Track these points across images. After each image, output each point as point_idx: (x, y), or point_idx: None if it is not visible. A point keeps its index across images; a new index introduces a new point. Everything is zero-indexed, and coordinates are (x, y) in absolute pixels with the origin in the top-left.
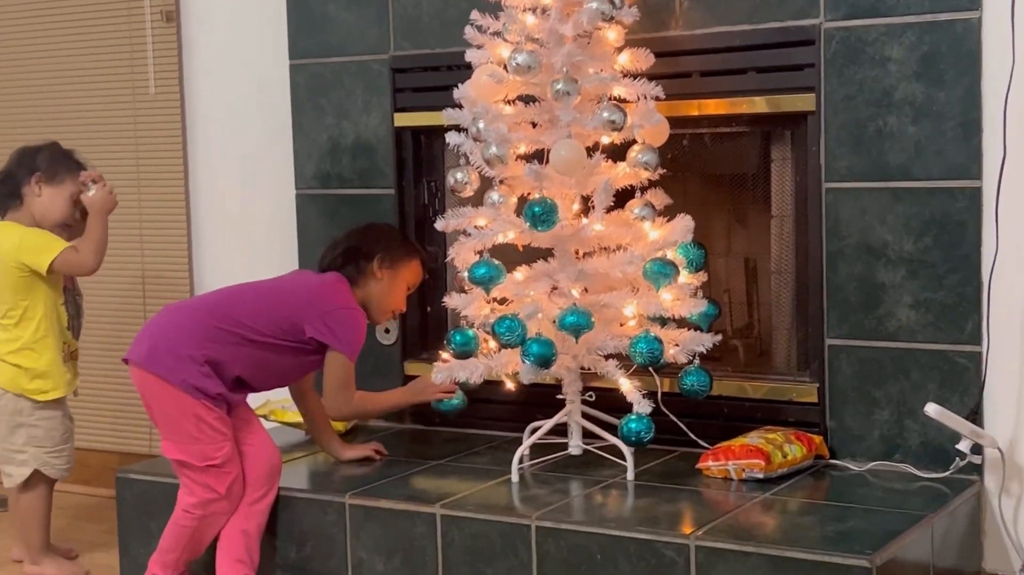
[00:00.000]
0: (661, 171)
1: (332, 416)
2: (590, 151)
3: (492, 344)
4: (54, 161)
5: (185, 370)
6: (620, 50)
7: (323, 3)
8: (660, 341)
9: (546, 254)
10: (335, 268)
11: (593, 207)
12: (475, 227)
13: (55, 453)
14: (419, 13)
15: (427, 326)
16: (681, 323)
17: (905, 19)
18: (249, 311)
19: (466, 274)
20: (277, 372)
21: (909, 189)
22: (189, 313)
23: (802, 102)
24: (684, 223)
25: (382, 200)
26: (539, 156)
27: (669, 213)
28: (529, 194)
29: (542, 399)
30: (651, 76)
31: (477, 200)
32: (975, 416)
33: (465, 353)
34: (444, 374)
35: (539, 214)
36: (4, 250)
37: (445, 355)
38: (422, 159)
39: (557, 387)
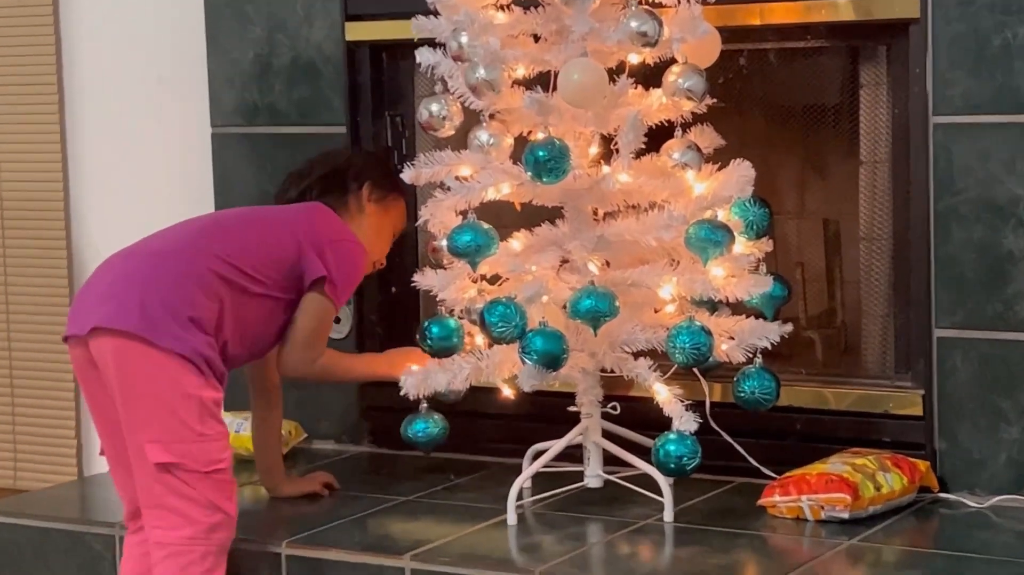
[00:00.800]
0: (710, 102)
1: (287, 374)
2: (613, 74)
3: (480, 339)
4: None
5: (193, 338)
6: None
7: None
8: (709, 333)
9: (554, 215)
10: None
11: (617, 151)
12: (456, 178)
13: None
14: None
15: (391, 314)
16: (737, 308)
17: None
18: (242, 247)
19: (444, 243)
20: (261, 340)
21: None
22: (173, 257)
23: (902, 6)
24: (741, 172)
25: (329, 142)
26: (543, 81)
27: (721, 159)
28: (530, 133)
29: (549, 413)
30: None
31: (459, 142)
32: None
33: (445, 350)
34: (416, 380)
35: (544, 160)
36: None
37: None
38: (384, 86)
39: (569, 396)
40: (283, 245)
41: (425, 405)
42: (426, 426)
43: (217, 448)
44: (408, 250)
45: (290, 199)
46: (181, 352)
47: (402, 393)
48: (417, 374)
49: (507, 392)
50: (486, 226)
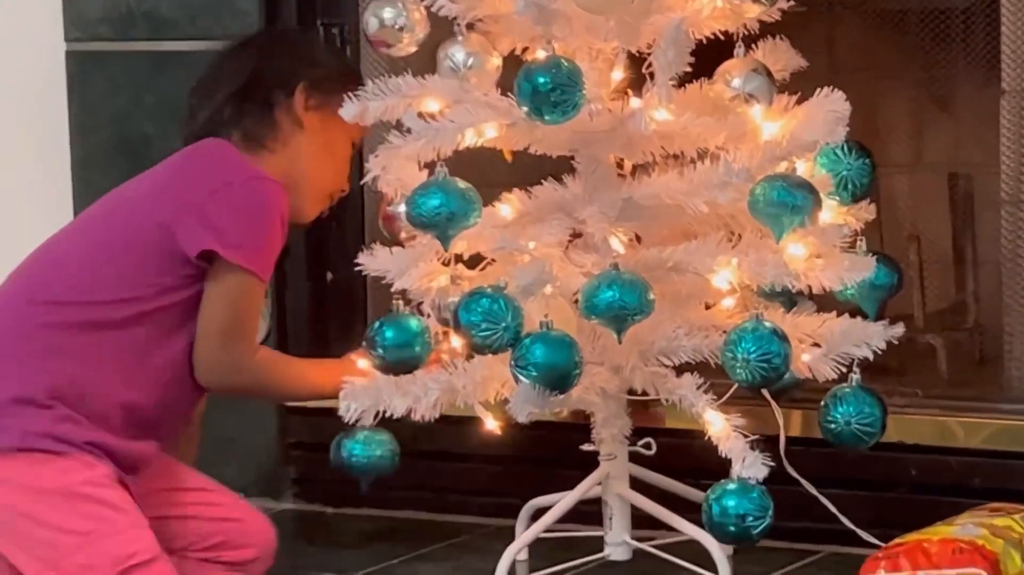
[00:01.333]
0: (785, 3)
1: (208, 384)
2: None
3: (454, 343)
4: None
5: (18, 419)
6: None
7: None
8: (783, 338)
9: (561, 169)
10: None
11: (652, 76)
12: (420, 116)
13: None
14: None
15: (326, 309)
16: (825, 303)
17: None
18: (82, 275)
19: (403, 209)
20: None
21: None
22: None
23: None
24: (830, 107)
25: None
26: None
27: (802, 87)
28: (526, 51)
29: (553, 453)
30: None
31: (423, 64)
32: None
33: (403, 363)
34: (360, 400)
35: (546, 90)
36: None
37: (363, 362)
38: None
39: (583, 429)
40: (142, 237)
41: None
42: (365, 447)
43: (120, 542)
44: (350, 218)
45: (196, 134)
46: (10, 446)
47: (342, 414)
48: (360, 390)
49: (493, 424)
50: (463, 184)
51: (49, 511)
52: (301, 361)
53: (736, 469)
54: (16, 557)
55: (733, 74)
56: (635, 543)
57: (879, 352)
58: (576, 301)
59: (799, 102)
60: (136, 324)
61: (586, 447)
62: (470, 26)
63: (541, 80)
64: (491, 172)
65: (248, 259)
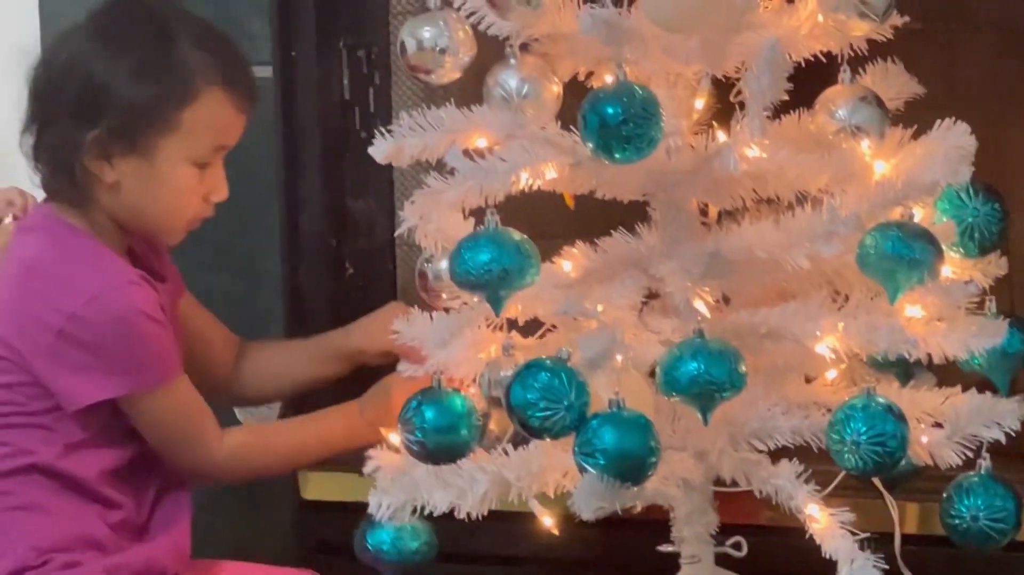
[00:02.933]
0: (898, 20)
1: (204, 483)
2: None
3: (504, 426)
4: None
5: None
6: None
7: None
8: (899, 417)
9: (633, 217)
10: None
11: (742, 107)
12: (466, 155)
13: None
14: None
15: (353, 387)
16: (948, 375)
17: None
18: None
19: (445, 266)
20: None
21: None
22: None
23: None
24: (953, 140)
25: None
26: None
27: (919, 118)
28: (591, 76)
29: (625, 555)
30: None
31: (469, 92)
32: None
33: (448, 448)
34: (392, 497)
35: (617, 122)
36: None
37: (394, 443)
38: (338, 1)
39: (661, 526)
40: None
41: None
42: (396, 535)
43: None
44: (379, 278)
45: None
46: None
47: (372, 511)
48: (394, 483)
49: (551, 522)
50: (517, 236)
51: None
52: (295, 423)
53: (843, 573)
54: None
55: (838, 103)
56: None
57: (1013, 434)
58: (653, 375)
59: (916, 136)
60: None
61: (665, 548)
62: (525, 47)
63: (610, 111)
64: (550, 221)
65: (143, 382)
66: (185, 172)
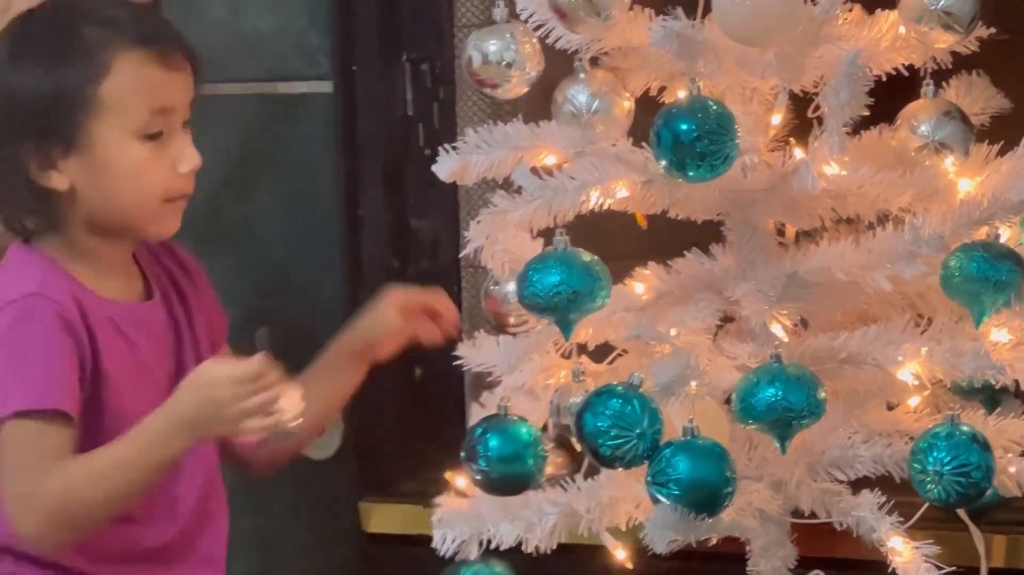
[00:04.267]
0: (984, 31)
1: (35, 544)
2: None
3: (574, 453)
4: None
5: None
6: None
7: None
8: (984, 446)
9: (708, 237)
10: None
11: (820, 122)
12: (534, 173)
13: None
14: None
15: (415, 413)
16: None
17: None
18: None
19: (513, 288)
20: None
21: None
22: None
23: None
24: None
25: (308, 105)
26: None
27: (1005, 134)
28: (663, 91)
29: None
30: None
31: (537, 107)
32: None
33: (514, 479)
34: (460, 530)
35: (691, 139)
36: None
37: (461, 480)
38: (400, 15)
39: (737, 559)
40: None
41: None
42: None
43: None
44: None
45: None
46: None
47: (436, 546)
48: (458, 515)
49: (624, 555)
50: (588, 257)
51: None
52: (110, 446)
53: None
54: None
55: (920, 118)
56: None
57: None
58: (728, 402)
59: (1002, 153)
60: None
61: None
62: (594, 61)
63: (684, 127)
64: (621, 242)
65: (14, 397)
66: (134, 149)
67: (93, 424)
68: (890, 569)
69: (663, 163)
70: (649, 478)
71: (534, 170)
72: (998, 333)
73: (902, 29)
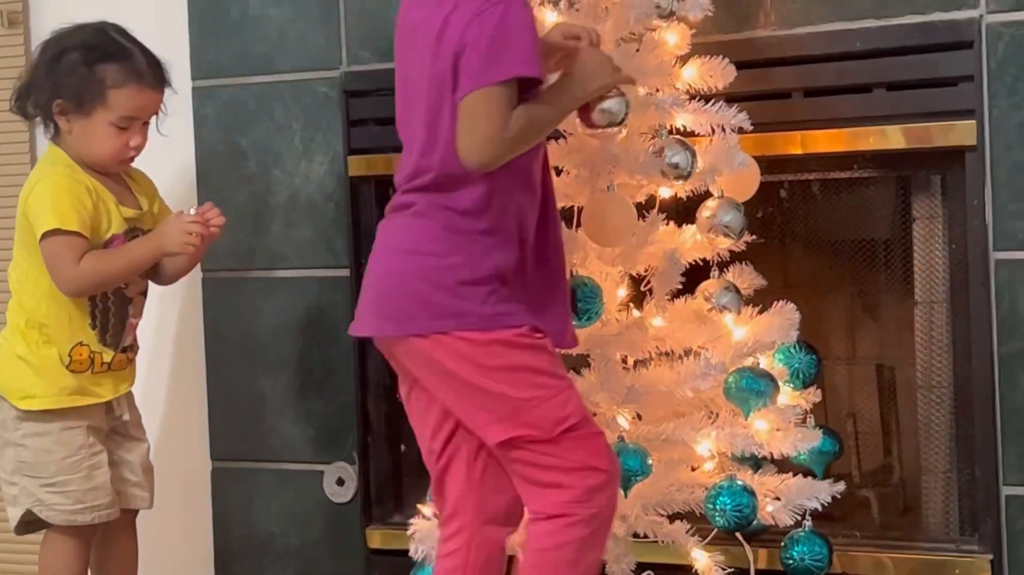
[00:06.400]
0: (749, 238)
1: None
2: (642, 209)
3: None
4: (87, 77)
5: (465, 301)
6: (685, 60)
7: None
8: (751, 493)
9: (579, 363)
10: None
11: (649, 293)
12: None
13: (52, 488)
14: (384, 8)
15: (400, 474)
16: (783, 466)
17: None
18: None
19: None
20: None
21: None
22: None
23: (957, 133)
24: (785, 315)
25: (330, 286)
26: (567, 217)
27: (762, 300)
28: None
29: None
30: (732, 98)
31: None
32: None
33: None
34: (428, 544)
35: (574, 303)
36: (24, 189)
37: (427, 511)
38: None
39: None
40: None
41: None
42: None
43: (556, 405)
44: None
45: None
46: (464, 326)
47: (412, 555)
48: (427, 534)
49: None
50: None
51: (499, 383)
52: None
53: None
54: (463, 410)
55: (710, 291)
56: None
57: (826, 504)
58: None
59: (761, 312)
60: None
61: None
62: None
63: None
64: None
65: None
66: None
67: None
68: (693, 570)
69: None
70: None
71: None
72: (760, 423)
73: (699, 236)
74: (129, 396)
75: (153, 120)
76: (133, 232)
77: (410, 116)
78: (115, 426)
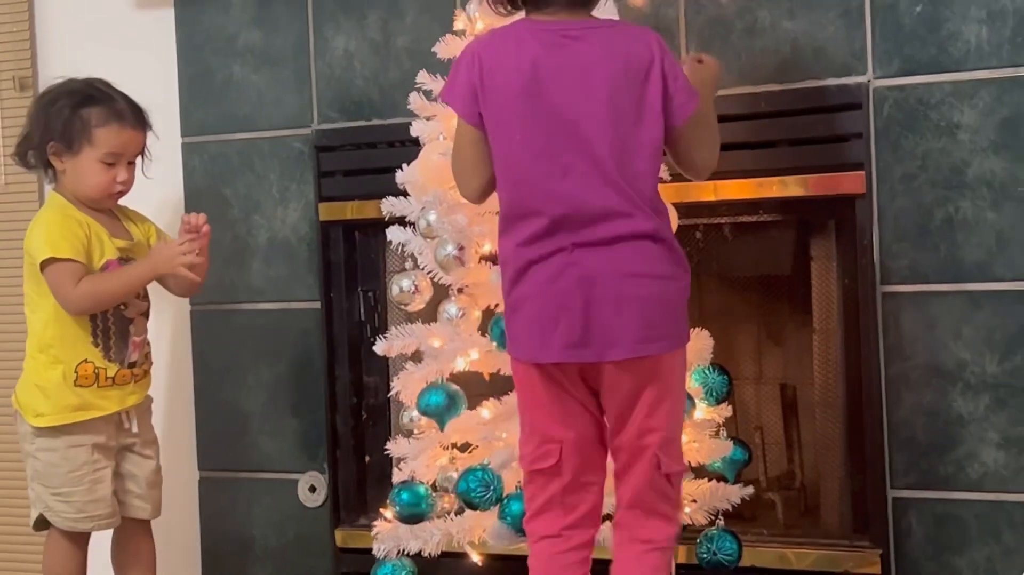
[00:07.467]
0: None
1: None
2: None
3: (448, 502)
4: (74, 118)
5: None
6: None
7: (225, 63)
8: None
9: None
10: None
11: None
12: (425, 349)
13: (58, 497)
14: (350, 75)
15: (364, 482)
16: (699, 472)
17: (976, 75)
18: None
19: (414, 408)
20: None
21: (991, 293)
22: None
23: (849, 182)
24: (701, 341)
25: (303, 317)
26: None
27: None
28: (497, 306)
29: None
30: None
31: (429, 315)
32: None
33: (415, 516)
34: (388, 543)
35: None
36: (27, 232)
37: (388, 514)
38: (356, 263)
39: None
40: None
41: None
42: (393, 569)
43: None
44: (381, 421)
45: None
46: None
47: (375, 552)
48: (388, 535)
49: (475, 557)
50: (455, 387)
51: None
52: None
53: None
54: (675, 419)
55: None
56: None
57: (736, 505)
58: None
59: None
60: None
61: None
62: (460, 290)
63: (498, 329)
64: (476, 388)
65: None
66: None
67: None
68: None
69: (494, 344)
70: (499, 513)
71: (425, 348)
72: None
73: None
74: (141, 412)
75: (140, 163)
76: (126, 260)
77: (576, 146)
78: (126, 443)
